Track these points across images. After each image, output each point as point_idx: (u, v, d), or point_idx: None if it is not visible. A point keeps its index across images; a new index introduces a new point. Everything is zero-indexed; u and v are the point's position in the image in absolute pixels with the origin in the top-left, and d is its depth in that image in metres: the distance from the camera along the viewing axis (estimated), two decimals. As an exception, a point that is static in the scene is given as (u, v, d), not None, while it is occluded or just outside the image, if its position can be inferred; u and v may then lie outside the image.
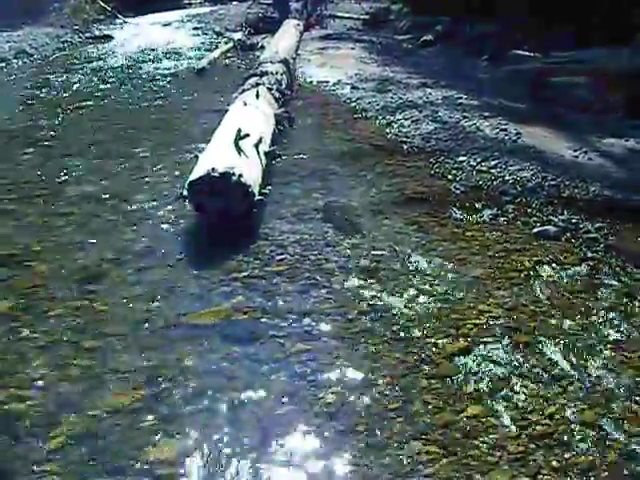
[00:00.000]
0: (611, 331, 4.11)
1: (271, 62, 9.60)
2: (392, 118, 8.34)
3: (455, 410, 3.47)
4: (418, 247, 5.14)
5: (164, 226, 5.49)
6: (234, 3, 19.48)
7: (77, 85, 10.58)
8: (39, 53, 13.09)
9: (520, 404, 3.50)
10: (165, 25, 16.46)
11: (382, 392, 3.59)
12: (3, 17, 14.26)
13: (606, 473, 3.08)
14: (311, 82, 10.48)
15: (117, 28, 16.19)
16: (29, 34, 14.25)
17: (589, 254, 5.04)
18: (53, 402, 3.52)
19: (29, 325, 4.17)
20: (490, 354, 3.89)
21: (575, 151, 7.06)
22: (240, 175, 5.25)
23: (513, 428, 3.34)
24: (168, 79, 10.96)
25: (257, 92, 7.61)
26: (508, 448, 3.22)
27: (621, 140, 7.40)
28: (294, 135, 7.78)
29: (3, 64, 12.12)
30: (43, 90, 10.22)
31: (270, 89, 8.19)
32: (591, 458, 3.16)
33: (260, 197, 5.52)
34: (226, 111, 7.14)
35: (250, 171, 5.50)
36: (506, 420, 3.39)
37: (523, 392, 3.59)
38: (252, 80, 8.51)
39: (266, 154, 6.17)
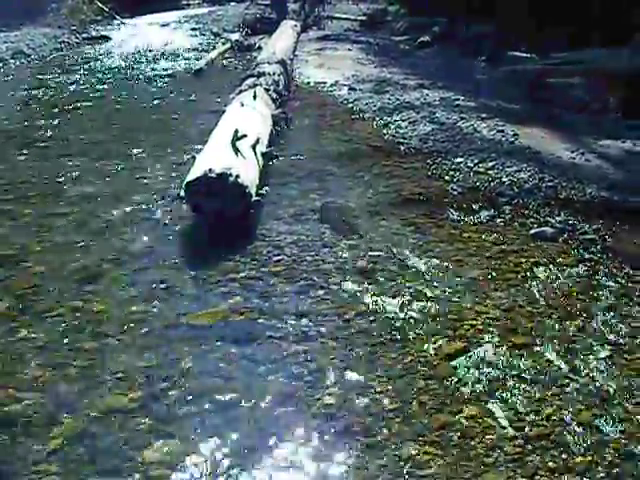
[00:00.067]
0: (608, 332, 4.12)
1: (268, 63, 9.60)
2: (389, 119, 8.35)
3: (452, 411, 3.47)
4: (415, 248, 5.14)
5: (161, 227, 5.49)
6: (232, 4, 19.51)
7: (74, 86, 10.57)
8: (36, 53, 13.08)
9: (517, 405, 3.51)
10: (163, 26, 16.45)
11: (379, 393, 3.59)
12: (1, 17, 14.26)
13: (603, 474, 3.09)
14: (308, 83, 10.48)
15: (115, 29, 16.18)
16: (26, 34, 14.24)
17: (586, 255, 5.04)
18: (51, 402, 3.52)
19: (27, 325, 4.17)
20: (487, 355, 3.89)
21: (572, 152, 7.07)
22: (237, 176, 5.26)
23: (510, 429, 3.35)
24: (165, 80, 10.96)
25: (254, 93, 7.61)
26: (505, 449, 3.22)
27: (618, 141, 7.41)
28: (291, 136, 7.78)
29: (0, 64, 12.11)
30: (40, 90, 10.21)
31: (267, 90, 8.19)
32: (588, 459, 3.17)
33: (257, 198, 5.52)
34: (223, 112, 7.15)
35: (247, 172, 5.51)
36: (503, 421, 3.40)
37: (520, 393, 3.59)
38: (249, 81, 8.51)
39: (263, 155, 6.18)
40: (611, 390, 3.63)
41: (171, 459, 3.15)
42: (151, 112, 9.04)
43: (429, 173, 6.67)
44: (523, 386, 3.65)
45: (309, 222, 5.57)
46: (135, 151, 7.31)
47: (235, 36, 14.53)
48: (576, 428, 3.36)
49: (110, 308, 4.37)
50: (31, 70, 11.89)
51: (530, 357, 3.89)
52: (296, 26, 14.05)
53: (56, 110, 9.07)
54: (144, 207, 5.84)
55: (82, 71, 11.61)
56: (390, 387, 3.64)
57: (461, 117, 8.23)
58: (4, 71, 11.76)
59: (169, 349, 3.95)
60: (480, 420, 3.40)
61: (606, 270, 4.84)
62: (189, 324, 4.20)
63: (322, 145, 7.53)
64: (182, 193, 5.45)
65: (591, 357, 3.89)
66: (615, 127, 7.82)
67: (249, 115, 6.93)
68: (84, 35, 15.10)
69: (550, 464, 3.13)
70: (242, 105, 7.13)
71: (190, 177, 5.35)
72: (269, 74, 8.86)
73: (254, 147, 5.94)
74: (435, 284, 4.64)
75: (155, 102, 9.53)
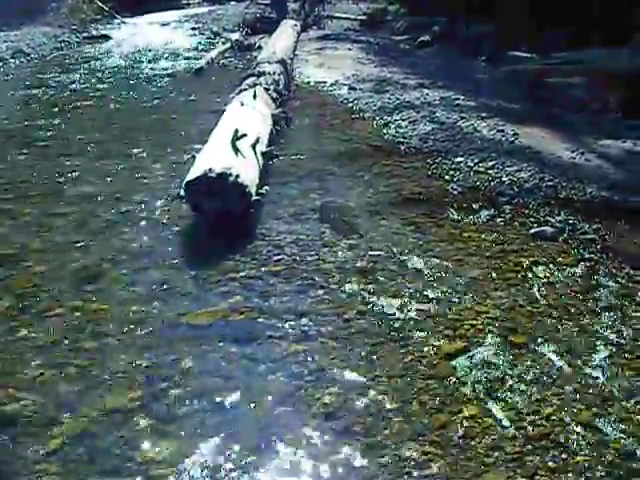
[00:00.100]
0: (608, 332, 4.12)
1: (268, 62, 9.60)
2: (389, 119, 8.35)
3: (452, 411, 3.47)
4: (415, 248, 5.14)
5: (162, 226, 5.49)
6: (232, 3, 19.51)
7: (74, 85, 10.58)
8: (36, 53, 13.09)
9: (517, 405, 3.51)
10: (163, 25, 16.46)
11: (379, 393, 3.59)
12: (1, 17, 14.26)
13: (603, 474, 3.09)
14: (308, 82, 10.48)
15: (115, 28, 16.19)
16: (27, 34, 14.25)
17: (586, 255, 5.04)
18: (51, 402, 3.52)
19: (27, 325, 4.17)
20: (487, 355, 3.89)
21: (572, 152, 7.06)
22: (237, 175, 5.26)
23: (510, 429, 3.35)
24: (166, 79, 10.97)
25: (254, 92, 7.61)
26: (505, 449, 3.22)
27: (618, 141, 7.40)
28: (291, 135, 7.78)
29: (0, 64, 12.11)
30: (40, 90, 10.21)
31: (267, 89, 8.19)
32: (588, 459, 3.17)
33: (257, 197, 5.53)
34: (223, 111, 7.14)
35: (247, 171, 5.51)
36: (503, 421, 3.40)
37: (520, 393, 3.59)
38: (249, 80, 8.51)
39: (263, 154, 6.17)
40: (611, 390, 3.62)
41: (171, 459, 3.15)
42: (151, 111, 9.04)
43: (429, 172, 6.67)
44: (523, 386, 3.65)
45: (309, 221, 5.57)
46: (135, 151, 7.31)
47: (235, 35, 14.53)
48: (576, 428, 3.36)
49: (110, 308, 4.37)
50: (31, 69, 11.89)
51: (530, 357, 3.89)
52: (296, 25, 14.05)
53: (56, 109, 9.08)
54: (144, 207, 5.84)
55: (82, 70, 11.61)
56: (390, 387, 3.64)
57: (461, 117, 8.22)
58: (4, 70, 11.76)
59: (169, 349, 3.95)
60: (480, 420, 3.40)
61: (606, 270, 4.84)
62: (189, 323, 4.20)
63: (322, 144, 7.53)
64: (182, 193, 5.45)
65: (591, 357, 3.89)
66: (615, 127, 7.82)
67: (249, 115, 6.93)
68: (84, 34, 15.11)
69: (550, 464, 3.13)
70: (242, 104, 7.13)
71: (190, 177, 5.35)
72: (269, 73, 8.86)
73: (254, 146, 5.94)
74: (435, 284, 4.64)
75: (155, 101, 9.53)
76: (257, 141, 6.05)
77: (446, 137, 7.58)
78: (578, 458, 3.17)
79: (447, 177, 6.53)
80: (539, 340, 4.03)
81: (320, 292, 4.53)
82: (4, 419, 3.41)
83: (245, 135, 5.87)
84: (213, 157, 5.55)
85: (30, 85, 10.53)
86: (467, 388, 3.63)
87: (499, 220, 5.63)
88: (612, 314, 4.30)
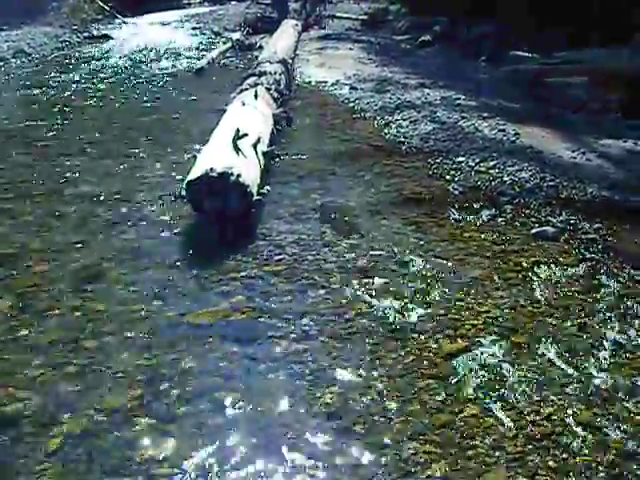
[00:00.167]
0: (609, 332, 4.11)
1: (269, 62, 9.60)
2: (390, 118, 8.35)
3: (453, 410, 3.47)
4: (416, 248, 5.14)
5: (162, 226, 5.48)
6: (233, 3, 19.49)
7: (75, 85, 10.57)
8: (37, 52, 13.08)
9: (518, 404, 3.51)
10: (164, 25, 16.44)
11: (380, 392, 3.59)
12: (2, 16, 14.27)
13: (604, 474, 3.09)
14: (309, 82, 10.48)
15: (116, 28, 16.17)
16: (27, 33, 14.24)
17: (587, 255, 5.04)
18: (51, 402, 3.52)
19: (27, 325, 4.17)
20: (488, 355, 3.89)
21: (573, 152, 7.06)
22: (238, 175, 5.26)
23: (511, 428, 3.35)
24: (166, 79, 10.96)
25: (255, 92, 7.61)
26: (506, 448, 3.22)
27: (619, 141, 7.40)
28: (292, 135, 7.78)
29: (1, 63, 12.11)
30: (41, 90, 10.21)
31: (268, 89, 8.19)
32: (589, 458, 3.17)
33: (258, 197, 5.53)
34: (224, 111, 7.14)
35: (248, 171, 5.50)
36: (504, 420, 3.40)
37: (521, 393, 3.59)
38: (250, 80, 8.51)
39: (264, 154, 6.17)
40: (612, 390, 3.62)
41: (171, 459, 3.15)
42: (152, 111, 9.03)
43: (430, 172, 6.67)
44: (524, 385, 3.64)
45: (310, 221, 5.57)
46: (136, 150, 7.31)
47: (236, 35, 14.52)
48: (577, 428, 3.35)
49: (110, 307, 4.37)
50: (32, 69, 11.88)
51: (531, 356, 3.89)
52: (297, 25, 14.05)
53: (57, 109, 9.07)
54: (145, 206, 5.84)
55: (83, 70, 11.61)
56: (391, 386, 3.63)
57: (462, 116, 8.22)
58: (5, 70, 11.75)
59: (169, 348, 3.95)
60: (481, 419, 3.40)
61: (607, 269, 4.83)
62: (190, 323, 4.20)
63: (323, 144, 7.52)
64: (183, 192, 5.45)
65: (592, 357, 3.89)
66: (616, 127, 7.82)
67: (250, 114, 6.92)
68: (85, 34, 15.09)
69: (551, 463, 3.13)
70: (243, 104, 7.13)
71: (191, 176, 5.35)
72: (270, 73, 8.86)
73: (255, 146, 5.94)
74: (436, 283, 4.64)
75: (156, 101, 9.53)
76: (258, 141, 6.05)
77: (447, 137, 7.58)
78: (579, 458, 3.17)
79: (448, 177, 6.52)
80: (540, 340, 4.03)
81: (321, 292, 4.53)
82: (4, 419, 3.41)
83: (246, 135, 5.87)
84: (214, 157, 5.55)
85: (31, 85, 10.52)
86: (468, 388, 3.63)
87: (500, 220, 5.62)
88: (613, 314, 4.30)
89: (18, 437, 3.29)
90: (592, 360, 3.85)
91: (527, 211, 5.77)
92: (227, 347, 3.94)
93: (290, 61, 10.75)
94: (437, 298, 4.46)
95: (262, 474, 3.08)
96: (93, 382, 3.67)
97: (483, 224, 5.56)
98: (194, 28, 15.96)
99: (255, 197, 5.44)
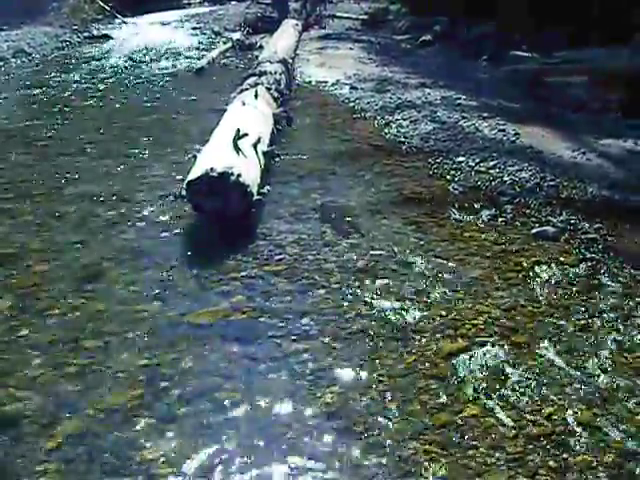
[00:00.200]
0: (610, 332, 4.11)
1: (270, 62, 9.60)
2: (391, 118, 8.34)
3: (453, 410, 3.47)
4: (416, 247, 5.14)
5: (162, 226, 5.48)
6: (233, 3, 19.48)
7: (75, 85, 10.57)
8: (38, 52, 13.08)
9: (518, 404, 3.50)
10: (164, 25, 16.44)
11: (380, 392, 3.59)
12: (2, 16, 14.27)
13: (604, 474, 3.08)
14: (310, 82, 10.48)
15: (116, 28, 16.17)
16: (28, 33, 14.24)
17: (588, 255, 5.04)
18: (52, 402, 3.52)
19: (28, 324, 4.17)
20: (488, 354, 3.89)
21: (573, 151, 7.06)
22: (239, 175, 5.26)
23: (511, 428, 3.35)
24: (167, 79, 10.96)
25: (256, 92, 7.61)
26: (506, 448, 3.22)
27: (619, 140, 7.40)
28: (293, 135, 7.78)
29: (1, 63, 12.11)
30: (41, 89, 10.20)
31: (269, 89, 8.19)
32: (589, 458, 3.16)
33: (259, 197, 5.53)
34: (225, 111, 7.14)
35: (248, 171, 5.50)
36: (504, 420, 3.39)
37: (521, 392, 3.59)
38: (251, 80, 8.51)
39: (264, 154, 6.17)
40: (612, 390, 3.62)
41: (171, 458, 3.15)
42: (152, 111, 9.03)
43: (430, 172, 6.67)
44: (524, 385, 3.64)
45: (310, 221, 5.57)
46: (136, 150, 7.30)
47: (236, 35, 14.51)
48: (577, 428, 3.35)
49: (111, 307, 4.37)
50: (32, 69, 11.89)
51: (531, 356, 3.88)
52: (297, 25, 14.04)
53: (57, 109, 9.07)
54: (145, 206, 5.83)
55: (83, 70, 11.61)
56: (391, 386, 3.63)
57: (462, 116, 8.22)
58: (5, 70, 11.75)
59: (170, 348, 3.94)
60: (481, 419, 3.40)
61: (607, 269, 4.83)
62: (190, 323, 4.20)
63: (323, 144, 7.52)
64: (183, 192, 5.45)
65: (592, 356, 3.88)
66: (616, 126, 7.81)
67: (250, 114, 6.92)
68: (85, 34, 15.08)
69: (551, 463, 3.13)
70: (243, 104, 7.13)
71: (191, 176, 5.35)
72: (270, 73, 8.86)
73: (255, 146, 5.94)
74: (436, 283, 4.64)
75: (156, 101, 9.52)
76: (258, 141, 6.05)
77: (447, 137, 7.58)
78: (579, 458, 3.17)
79: (448, 177, 6.52)
80: (540, 340, 4.03)
81: (321, 292, 4.53)
82: (4, 419, 3.41)
83: (246, 134, 5.87)
84: (214, 156, 5.55)
85: (31, 85, 10.52)
86: (468, 388, 3.63)
87: (500, 220, 5.62)
88: (613, 314, 4.30)
89: (18, 437, 3.29)
90: (592, 360, 3.85)
91: (527, 211, 5.77)
92: (227, 347, 3.94)
93: (290, 61, 10.75)
94: (437, 298, 4.46)
95: (262, 474, 3.07)
96: (93, 382, 3.67)
97: (483, 224, 5.55)
98: (194, 28, 15.95)
99: (255, 197, 5.44)
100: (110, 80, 10.92)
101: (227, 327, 4.15)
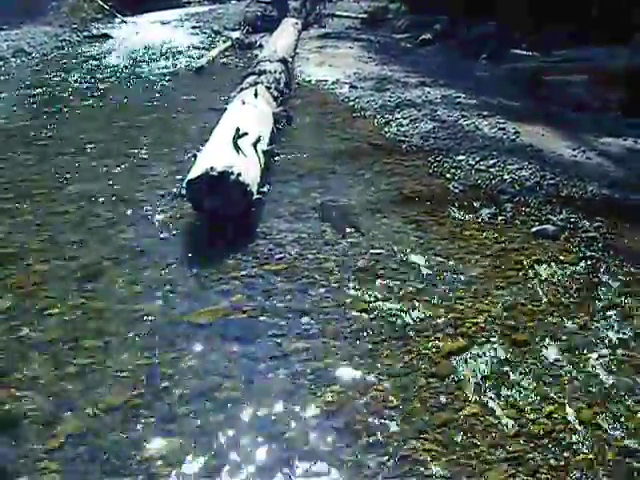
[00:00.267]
0: (610, 330, 4.12)
1: (269, 61, 9.59)
2: (390, 117, 8.34)
3: (454, 409, 3.47)
4: (416, 246, 5.14)
5: (162, 225, 5.48)
6: (232, 2, 19.47)
7: (75, 84, 10.56)
8: (37, 52, 13.07)
9: (518, 403, 3.51)
10: (164, 24, 16.42)
11: (381, 391, 3.59)
12: (2, 16, 14.26)
13: (604, 472, 3.09)
14: (310, 81, 10.47)
15: (115, 27, 16.15)
16: (27, 33, 14.24)
17: (588, 253, 5.04)
18: (52, 401, 3.52)
19: (28, 324, 4.17)
20: (489, 353, 3.89)
21: (573, 150, 7.06)
22: (238, 174, 5.25)
23: (511, 427, 3.35)
24: (166, 78, 10.95)
25: (255, 91, 7.60)
26: (507, 447, 3.22)
27: (619, 139, 7.40)
28: (292, 134, 7.78)
29: (1, 63, 12.10)
30: (41, 89, 10.19)
31: (269, 88, 8.19)
32: (589, 457, 3.17)
33: (258, 196, 5.53)
34: (224, 110, 7.14)
35: (248, 170, 5.50)
36: (504, 419, 3.40)
37: (522, 391, 3.59)
38: (250, 79, 8.51)
39: (264, 153, 6.17)
40: (613, 388, 3.62)
41: (172, 457, 3.15)
42: (152, 110, 9.02)
43: (430, 171, 6.67)
44: (524, 384, 3.64)
45: (310, 220, 5.56)
46: (136, 150, 7.30)
47: (236, 34, 14.50)
48: (578, 426, 3.36)
49: (111, 306, 4.37)
50: (32, 68, 11.87)
51: (531, 355, 3.89)
52: (297, 24, 14.02)
53: (56, 108, 9.06)
54: (145, 205, 5.83)
55: (83, 69, 11.60)
56: (391, 385, 3.63)
57: (462, 115, 8.21)
58: (5, 69, 11.74)
59: (170, 347, 3.94)
60: (482, 418, 3.40)
61: (607, 268, 4.83)
62: (190, 322, 4.20)
63: (323, 143, 7.52)
64: (183, 191, 5.45)
65: (592, 355, 3.89)
66: (616, 125, 7.81)
67: (250, 113, 6.92)
68: (85, 33, 15.07)
69: (552, 462, 3.14)
70: (243, 103, 7.13)
71: (191, 175, 5.35)
72: (270, 72, 8.86)
73: (255, 145, 5.94)
74: (436, 282, 4.64)
75: (156, 100, 9.51)
76: (258, 140, 6.04)
77: (447, 135, 7.57)
78: (580, 456, 3.17)
79: (448, 175, 6.52)
80: (540, 338, 4.03)
81: (321, 290, 4.53)
82: (5, 418, 3.41)
83: (246, 134, 5.87)
84: (214, 156, 5.54)
85: (31, 84, 10.51)
86: (468, 386, 3.63)
87: (500, 218, 5.62)
88: (614, 312, 4.30)
89: (18, 437, 3.29)
90: (593, 358, 3.86)
91: (527, 209, 5.77)
92: (227, 346, 3.94)
93: (290, 60, 10.73)
94: (437, 297, 4.46)
95: (262, 473, 3.08)
96: (93, 382, 3.67)
97: (483, 222, 5.55)
98: (194, 27, 15.94)
99: (255, 196, 5.44)
100: (110, 79, 10.91)
101: (227, 326, 4.15)
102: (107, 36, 14.90)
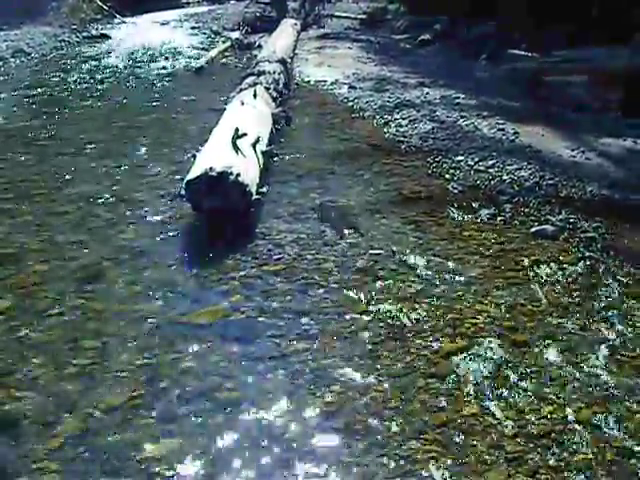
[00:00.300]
0: (609, 330, 4.12)
1: (268, 61, 9.59)
2: (390, 117, 8.34)
3: (453, 409, 3.47)
4: (416, 247, 5.14)
5: (162, 225, 5.48)
6: (232, 2, 19.45)
7: (74, 84, 10.56)
8: (37, 52, 13.06)
9: (518, 403, 3.51)
10: (163, 24, 16.41)
11: (380, 391, 3.59)
12: (1, 16, 14.25)
13: (604, 472, 3.09)
14: (309, 81, 10.47)
15: (115, 27, 16.14)
16: (27, 33, 14.23)
17: (587, 253, 5.04)
18: (52, 402, 3.52)
19: (28, 324, 4.17)
20: (488, 353, 3.89)
21: (573, 150, 7.06)
22: (238, 174, 5.26)
23: (511, 427, 3.35)
24: (166, 78, 10.94)
25: (255, 91, 7.60)
26: (506, 447, 3.22)
27: (618, 139, 7.41)
28: (291, 134, 7.78)
29: (0, 63, 12.09)
30: (40, 89, 10.19)
31: (268, 88, 8.18)
32: (589, 457, 3.17)
33: (257, 196, 5.53)
34: (224, 110, 7.14)
35: (247, 170, 5.50)
36: (504, 419, 3.40)
37: (521, 391, 3.59)
38: (250, 79, 8.51)
39: (263, 153, 6.17)
40: (612, 388, 3.63)
41: (172, 457, 3.15)
42: (151, 111, 9.02)
43: (429, 171, 6.67)
44: (524, 384, 3.65)
45: (309, 221, 5.57)
46: (135, 150, 7.30)
47: (235, 34, 14.50)
48: (577, 426, 3.36)
49: (110, 307, 4.37)
50: (31, 69, 11.87)
51: (531, 355, 3.89)
52: (296, 24, 14.02)
53: (56, 109, 9.06)
54: (144, 206, 5.83)
55: (82, 70, 11.59)
56: (391, 385, 3.64)
57: (461, 115, 8.22)
58: (4, 70, 11.73)
59: (170, 348, 3.95)
60: (481, 418, 3.40)
61: (607, 268, 4.84)
62: (190, 322, 4.20)
63: (322, 143, 7.52)
64: (182, 192, 5.45)
65: (592, 355, 3.89)
66: (615, 125, 7.82)
67: (249, 114, 6.92)
68: (84, 34, 15.05)
69: (551, 462, 3.14)
70: (242, 104, 7.13)
71: (190, 176, 5.35)
72: (269, 73, 8.85)
73: (254, 146, 5.94)
74: (436, 282, 4.64)
75: (155, 101, 9.51)
76: (257, 140, 6.04)
77: (446, 136, 7.58)
78: (579, 457, 3.17)
79: (447, 176, 6.52)
80: (540, 339, 4.03)
81: (320, 291, 4.53)
82: (4, 419, 3.41)
83: (245, 134, 5.87)
84: (214, 156, 5.55)
85: (30, 84, 10.50)
86: (468, 387, 3.63)
87: (500, 219, 5.62)
88: (613, 312, 4.30)
89: (18, 437, 3.29)
90: (592, 359, 3.86)
91: (526, 210, 5.77)
92: (227, 347, 3.95)
93: (289, 60, 10.73)
94: (437, 297, 4.46)
95: (262, 474, 3.08)
96: (93, 382, 3.67)
97: (483, 223, 5.56)
98: (193, 27, 15.93)
99: (254, 196, 5.44)
100: (109, 80, 10.90)
101: (226, 327, 4.15)
102: (106, 36, 14.89)
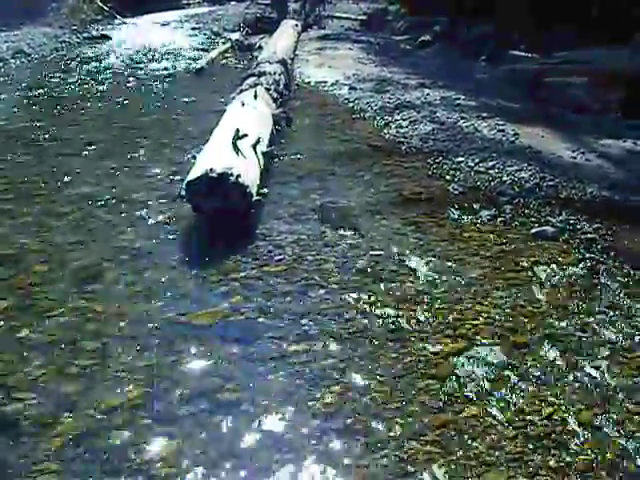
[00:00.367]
0: (609, 331, 4.12)
1: (269, 62, 9.59)
2: (390, 118, 8.34)
3: (453, 410, 3.47)
4: (416, 248, 5.14)
5: (162, 226, 5.48)
6: (232, 3, 19.45)
7: (75, 85, 10.56)
8: (37, 53, 13.05)
9: (518, 404, 3.51)
10: (163, 25, 16.41)
11: (380, 392, 3.59)
12: (1, 17, 14.25)
13: (604, 473, 3.09)
14: (309, 82, 10.47)
15: (115, 28, 16.13)
16: (27, 34, 14.23)
17: (587, 255, 5.04)
18: (52, 402, 3.52)
19: (28, 325, 4.16)
20: (488, 355, 3.89)
21: (573, 152, 7.07)
22: (238, 175, 5.26)
23: (511, 428, 3.35)
24: (166, 79, 10.94)
25: (255, 92, 7.60)
26: (506, 448, 3.22)
27: (619, 141, 7.41)
28: (292, 135, 7.78)
29: (1, 64, 12.09)
30: (41, 90, 10.19)
31: (268, 89, 8.19)
32: (589, 458, 3.17)
33: (258, 197, 5.53)
34: (224, 111, 7.14)
35: (248, 171, 5.50)
36: (504, 420, 3.40)
37: (521, 393, 3.59)
38: (250, 80, 8.50)
39: (264, 154, 6.17)
40: (612, 389, 3.63)
41: (172, 458, 3.15)
42: (151, 111, 9.02)
43: (430, 172, 6.67)
44: (524, 385, 3.65)
45: (310, 222, 5.57)
46: (136, 151, 7.30)
47: (235, 35, 14.51)
48: (577, 428, 3.36)
49: (110, 307, 4.37)
50: (31, 70, 11.86)
51: (531, 356, 3.89)
52: (297, 25, 14.04)
53: (56, 109, 9.06)
54: (144, 207, 5.83)
55: (82, 71, 11.58)
56: (391, 386, 3.63)
57: (462, 116, 8.22)
58: (4, 70, 11.73)
59: (169, 349, 3.94)
60: (481, 419, 3.40)
61: (607, 269, 4.84)
62: (190, 323, 4.19)
63: (323, 144, 7.52)
64: (183, 192, 5.45)
65: (592, 356, 3.89)
66: (616, 127, 7.82)
67: (250, 114, 6.92)
68: (85, 35, 15.05)
69: (551, 463, 3.14)
70: (243, 105, 7.12)
71: (191, 176, 5.35)
72: (270, 73, 8.86)
73: (255, 147, 5.94)
74: (436, 283, 4.64)
75: (155, 102, 9.51)
76: (258, 141, 6.05)
77: (447, 137, 7.58)
78: (579, 458, 3.17)
79: (448, 177, 6.53)
80: (540, 340, 4.03)
81: (321, 292, 4.53)
82: (4, 419, 3.40)
83: (246, 135, 5.87)
84: (214, 157, 5.55)
85: (30, 85, 10.50)
86: (468, 388, 3.63)
87: (500, 220, 5.63)
88: (613, 313, 4.30)
89: (18, 437, 3.29)
90: (592, 360, 3.86)
91: (527, 211, 5.77)
92: (227, 347, 3.94)
93: (289, 61, 10.74)
94: (437, 298, 4.46)
95: (261, 474, 3.08)
96: (93, 382, 3.67)
97: (483, 224, 5.56)
98: (193, 28, 15.93)
99: (255, 197, 5.44)
100: (109, 80, 10.90)
101: (227, 328, 4.15)
102: (107, 37, 14.88)
